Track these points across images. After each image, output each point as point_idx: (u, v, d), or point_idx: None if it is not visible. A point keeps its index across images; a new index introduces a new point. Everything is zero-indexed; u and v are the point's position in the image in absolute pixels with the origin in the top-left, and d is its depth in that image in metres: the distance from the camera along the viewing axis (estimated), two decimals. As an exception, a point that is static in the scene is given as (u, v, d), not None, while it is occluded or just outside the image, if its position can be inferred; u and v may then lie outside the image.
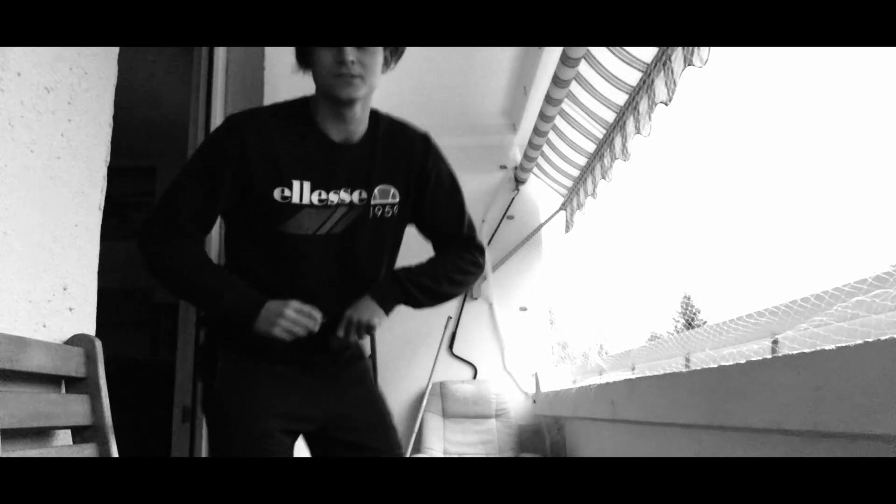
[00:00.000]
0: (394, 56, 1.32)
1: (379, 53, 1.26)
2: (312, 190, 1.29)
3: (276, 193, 1.27)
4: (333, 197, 1.30)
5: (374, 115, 1.38)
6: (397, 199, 1.37)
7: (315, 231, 1.30)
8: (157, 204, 1.29)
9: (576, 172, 3.65)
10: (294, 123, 1.31)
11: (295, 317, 1.23)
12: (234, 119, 1.31)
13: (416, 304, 1.38)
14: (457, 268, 1.44)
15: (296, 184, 1.28)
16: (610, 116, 2.91)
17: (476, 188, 3.79)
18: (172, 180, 1.29)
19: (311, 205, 1.29)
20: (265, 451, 1.25)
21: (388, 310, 1.34)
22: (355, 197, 1.32)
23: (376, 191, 1.34)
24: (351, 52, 1.21)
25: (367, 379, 1.49)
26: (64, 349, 1.13)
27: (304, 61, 1.30)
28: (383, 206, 1.35)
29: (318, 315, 1.26)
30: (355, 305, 1.31)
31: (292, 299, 1.26)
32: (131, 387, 2.95)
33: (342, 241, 1.32)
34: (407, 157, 1.38)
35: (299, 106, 1.34)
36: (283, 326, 1.23)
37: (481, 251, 1.49)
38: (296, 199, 1.28)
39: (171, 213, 1.26)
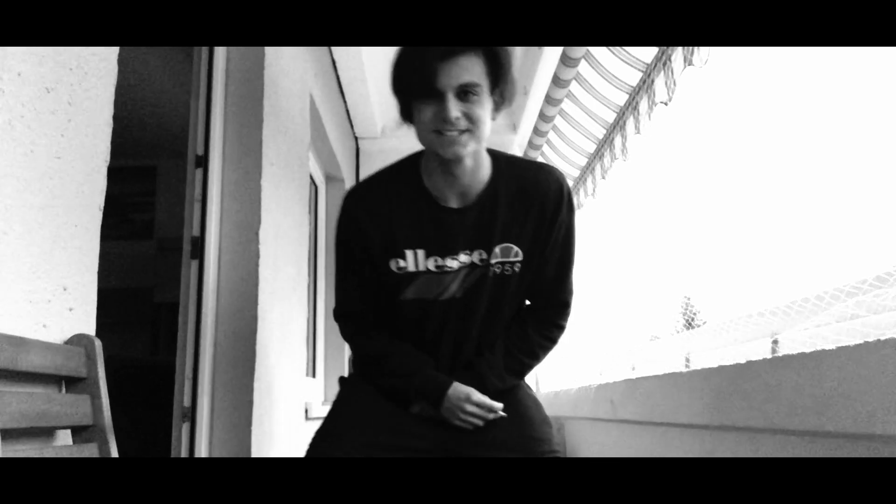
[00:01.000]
0: (504, 100, 1.23)
1: (486, 103, 1.17)
2: (427, 257, 1.25)
3: (392, 265, 1.26)
4: (451, 263, 1.25)
5: (496, 163, 1.28)
6: (520, 258, 1.27)
7: (437, 296, 1.27)
8: (336, 303, 1.38)
9: (576, 172, 3.65)
10: (404, 188, 1.27)
11: (475, 411, 1.25)
12: (345, 202, 1.31)
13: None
14: (543, 344, 1.36)
15: (409, 253, 1.25)
16: (610, 116, 2.91)
17: (476, 188, 3.77)
18: (336, 277, 1.38)
19: (428, 271, 1.26)
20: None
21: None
22: (475, 258, 1.26)
23: (497, 250, 1.26)
24: (454, 107, 1.13)
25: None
26: (64, 349, 1.13)
27: (408, 115, 1.22)
28: (503, 264, 1.27)
29: (497, 406, 1.27)
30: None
31: (471, 388, 1.27)
32: (131, 387, 2.95)
33: (464, 303, 1.28)
34: (538, 210, 1.26)
35: (409, 166, 1.29)
36: (462, 419, 1.25)
37: (569, 315, 1.39)
38: (411, 268, 1.26)
39: (356, 312, 1.35)
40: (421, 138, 1.21)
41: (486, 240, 1.25)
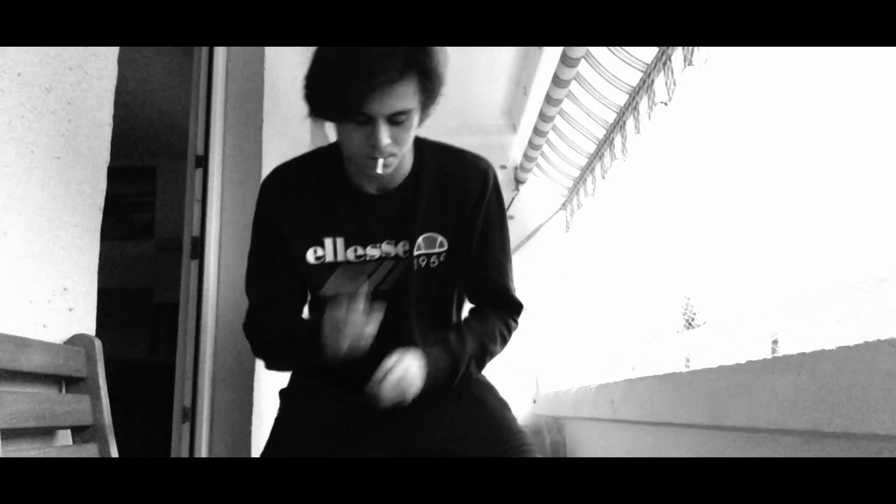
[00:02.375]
0: (425, 111, 1.12)
1: (414, 122, 1.08)
2: (347, 246, 1.17)
3: (310, 255, 1.18)
4: (373, 251, 1.18)
5: (420, 149, 1.20)
6: (445, 248, 1.20)
7: (357, 288, 1.16)
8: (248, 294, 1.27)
9: (576, 172, 3.65)
10: (325, 174, 1.19)
11: (349, 318, 1.05)
12: (263, 185, 1.23)
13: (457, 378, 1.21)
14: (501, 338, 1.27)
15: (328, 241, 1.18)
16: (610, 116, 2.91)
17: (476, 188, 3.78)
18: (247, 266, 1.29)
19: (348, 262, 1.18)
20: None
21: (427, 384, 1.14)
22: (400, 249, 1.18)
23: (420, 240, 1.18)
24: (385, 134, 1.03)
25: (462, 396, 1.26)
26: (64, 349, 1.13)
27: (320, 118, 1.11)
28: (428, 255, 1.19)
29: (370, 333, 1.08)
30: (403, 366, 1.10)
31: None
32: (131, 387, 2.95)
33: (392, 297, 1.17)
34: (461, 196, 1.19)
35: (328, 154, 1.20)
36: (347, 333, 1.05)
37: (520, 313, 1.32)
38: (330, 258, 1.18)
39: (251, 299, 1.25)
40: (345, 151, 1.12)
41: (408, 229, 1.17)
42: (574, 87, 2.96)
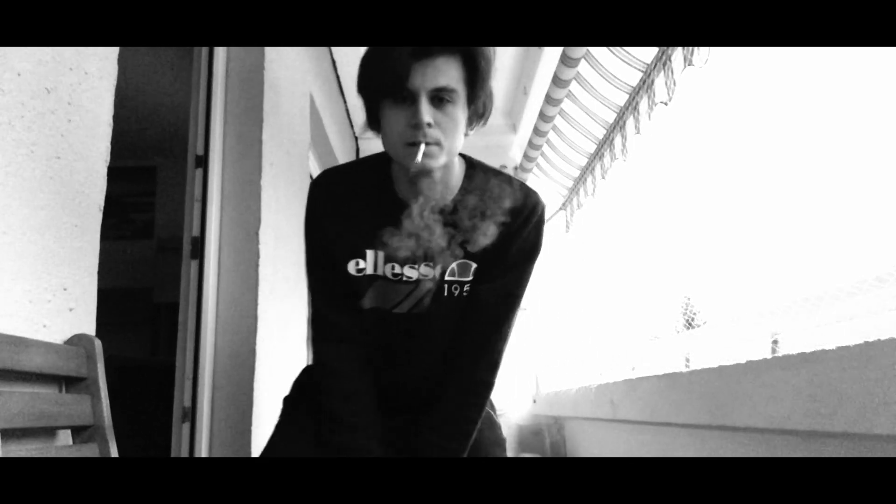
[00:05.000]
0: (479, 116, 1.10)
1: (461, 113, 1.05)
2: (386, 262, 1.14)
3: (351, 266, 1.14)
4: (410, 272, 1.14)
5: (471, 170, 1.16)
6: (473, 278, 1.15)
7: (393, 307, 1.16)
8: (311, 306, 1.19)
9: (576, 172, 3.65)
10: (373, 185, 1.16)
11: None
12: (312, 191, 1.19)
13: None
14: (471, 415, 1.18)
15: (370, 254, 1.14)
16: (610, 116, 2.91)
17: (476, 188, 3.78)
18: (307, 277, 1.21)
19: (385, 277, 1.14)
20: None
21: None
22: (438, 272, 1.14)
23: (455, 266, 1.14)
24: (427, 112, 1.00)
25: None
26: (64, 349, 1.13)
27: (374, 121, 1.11)
28: (461, 283, 1.15)
29: None
30: None
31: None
32: (131, 387, 2.95)
33: (427, 321, 1.16)
34: (500, 224, 1.12)
35: (378, 163, 1.17)
36: None
37: (490, 389, 1.20)
38: (370, 270, 1.14)
39: (328, 313, 1.17)
40: (387, 146, 1.09)
41: (444, 254, 1.12)
42: (574, 87, 2.96)
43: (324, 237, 1.17)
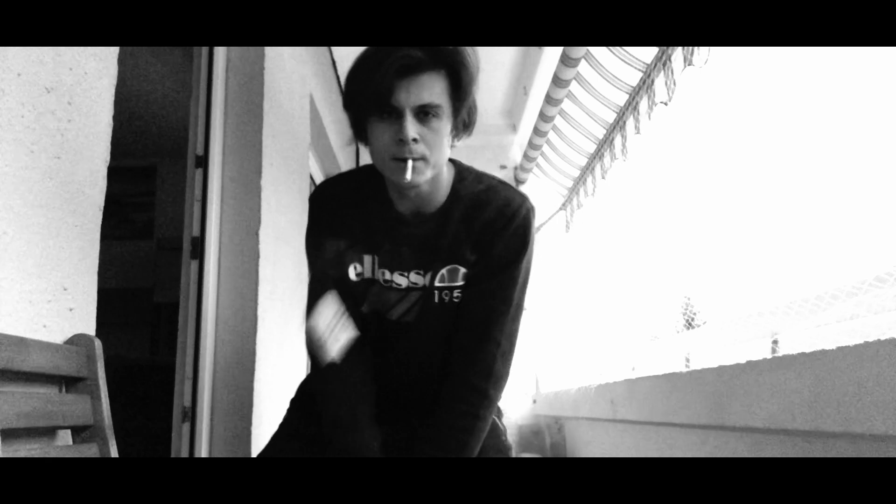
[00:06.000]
0: (463, 128, 1.12)
1: (445, 126, 1.06)
2: (379, 267, 1.16)
3: (352, 271, 1.17)
4: (400, 279, 1.15)
5: (459, 178, 1.17)
6: (462, 283, 1.15)
7: (386, 312, 1.18)
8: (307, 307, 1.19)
9: (576, 172, 3.65)
10: (366, 192, 1.18)
11: None
12: (313, 198, 1.22)
13: None
14: (458, 439, 1.13)
15: (367, 258, 1.16)
16: (610, 116, 2.91)
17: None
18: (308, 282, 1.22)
19: (379, 282, 1.17)
20: None
21: None
22: (427, 280, 1.15)
23: (444, 272, 1.14)
24: (412, 128, 1.02)
25: None
26: (64, 349, 1.13)
27: (361, 135, 1.12)
28: (451, 289, 1.15)
29: None
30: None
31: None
32: (131, 387, 2.96)
33: (417, 329, 1.17)
34: (484, 226, 1.13)
35: (374, 172, 1.17)
36: None
37: (484, 398, 1.15)
38: (367, 274, 1.17)
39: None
40: (374, 160, 1.10)
41: (433, 260, 1.15)
42: (574, 87, 2.96)
43: (325, 251, 1.18)
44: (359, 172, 1.24)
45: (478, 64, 1.09)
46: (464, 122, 1.11)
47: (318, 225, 1.21)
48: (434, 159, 1.06)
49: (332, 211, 1.19)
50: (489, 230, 1.13)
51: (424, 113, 1.04)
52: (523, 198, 1.17)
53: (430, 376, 1.19)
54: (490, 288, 1.15)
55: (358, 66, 1.07)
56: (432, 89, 1.04)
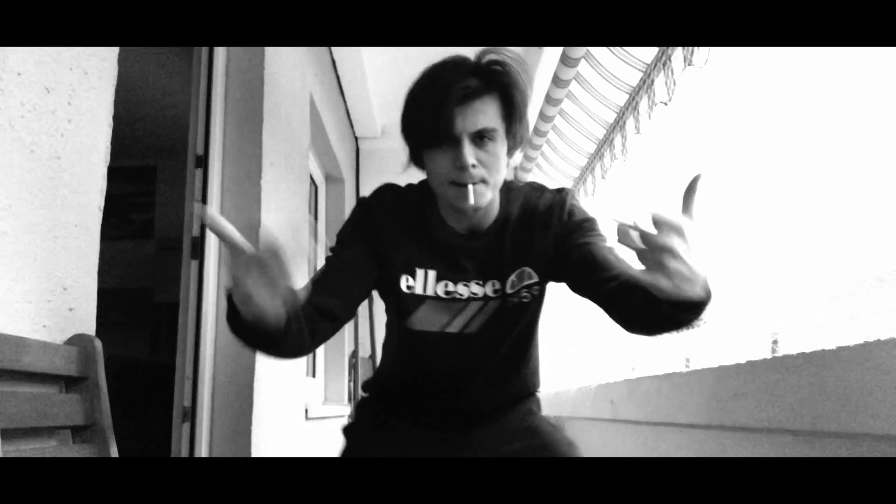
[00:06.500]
0: (517, 143, 1.15)
1: (501, 147, 1.10)
2: (438, 280, 1.17)
3: (403, 282, 1.16)
4: (462, 290, 1.17)
5: (507, 192, 1.21)
6: (535, 279, 1.18)
7: (444, 327, 1.18)
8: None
9: (575, 172, 3.65)
10: (421, 208, 1.20)
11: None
12: (370, 199, 1.22)
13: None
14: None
15: (420, 272, 1.17)
16: (610, 116, 2.91)
17: (476, 188, 3.78)
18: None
19: (437, 297, 1.17)
20: None
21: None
22: (489, 289, 1.17)
23: (513, 277, 1.17)
24: (470, 154, 1.05)
25: (529, 428, 1.26)
26: (64, 349, 1.13)
27: (419, 162, 1.16)
28: (520, 290, 1.18)
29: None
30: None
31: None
32: (131, 387, 2.95)
33: (478, 341, 1.18)
34: (542, 222, 1.18)
35: (428, 191, 1.19)
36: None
37: None
38: (419, 290, 1.17)
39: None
40: (434, 185, 1.14)
41: (498, 269, 1.17)
42: (574, 87, 2.96)
43: (365, 242, 1.17)
44: (415, 189, 1.24)
45: (531, 81, 1.13)
46: (517, 140, 1.14)
47: (367, 221, 1.19)
48: (493, 181, 1.10)
49: (391, 216, 1.19)
50: (549, 214, 1.18)
51: (480, 137, 1.07)
52: (564, 188, 1.25)
53: (486, 384, 1.22)
54: (590, 230, 1.19)
55: (416, 98, 1.11)
56: (487, 114, 1.07)
